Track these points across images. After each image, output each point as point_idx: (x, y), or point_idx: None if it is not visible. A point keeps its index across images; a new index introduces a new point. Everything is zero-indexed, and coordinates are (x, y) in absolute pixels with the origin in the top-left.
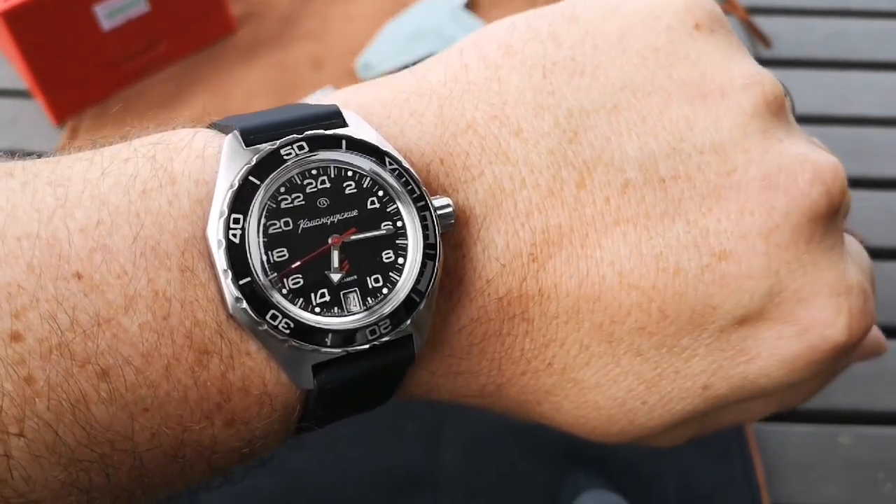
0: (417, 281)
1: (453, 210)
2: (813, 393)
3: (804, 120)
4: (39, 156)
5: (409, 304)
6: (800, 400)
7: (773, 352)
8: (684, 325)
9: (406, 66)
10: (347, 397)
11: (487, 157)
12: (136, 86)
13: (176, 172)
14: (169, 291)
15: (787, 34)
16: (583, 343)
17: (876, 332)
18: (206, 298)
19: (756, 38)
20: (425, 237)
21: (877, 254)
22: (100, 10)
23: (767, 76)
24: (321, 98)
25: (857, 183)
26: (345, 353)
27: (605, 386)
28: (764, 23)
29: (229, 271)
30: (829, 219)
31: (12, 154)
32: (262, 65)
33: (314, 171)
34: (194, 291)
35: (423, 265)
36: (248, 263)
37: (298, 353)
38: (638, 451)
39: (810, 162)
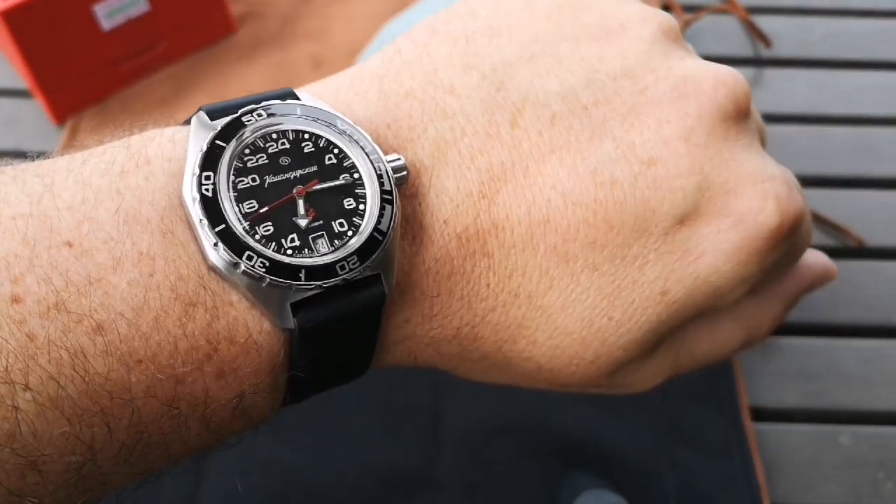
0: (378, 222)
1: (404, 162)
2: (774, 315)
3: (805, 120)
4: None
5: (372, 243)
6: (764, 325)
7: (716, 246)
8: (630, 232)
9: None
10: (328, 341)
11: (428, 115)
12: (135, 85)
13: (150, 155)
14: (152, 251)
15: (787, 34)
16: (542, 268)
17: (822, 256)
18: (186, 255)
19: (756, 38)
20: (381, 184)
21: (878, 254)
22: (99, 10)
23: (661, 12)
24: None
25: (857, 183)
26: (320, 288)
27: (571, 307)
28: (764, 22)
29: (205, 220)
30: (739, 119)
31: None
32: (262, 64)
33: (274, 136)
34: (175, 250)
35: (382, 209)
36: (222, 213)
37: (276, 292)
38: (638, 451)
39: (711, 71)
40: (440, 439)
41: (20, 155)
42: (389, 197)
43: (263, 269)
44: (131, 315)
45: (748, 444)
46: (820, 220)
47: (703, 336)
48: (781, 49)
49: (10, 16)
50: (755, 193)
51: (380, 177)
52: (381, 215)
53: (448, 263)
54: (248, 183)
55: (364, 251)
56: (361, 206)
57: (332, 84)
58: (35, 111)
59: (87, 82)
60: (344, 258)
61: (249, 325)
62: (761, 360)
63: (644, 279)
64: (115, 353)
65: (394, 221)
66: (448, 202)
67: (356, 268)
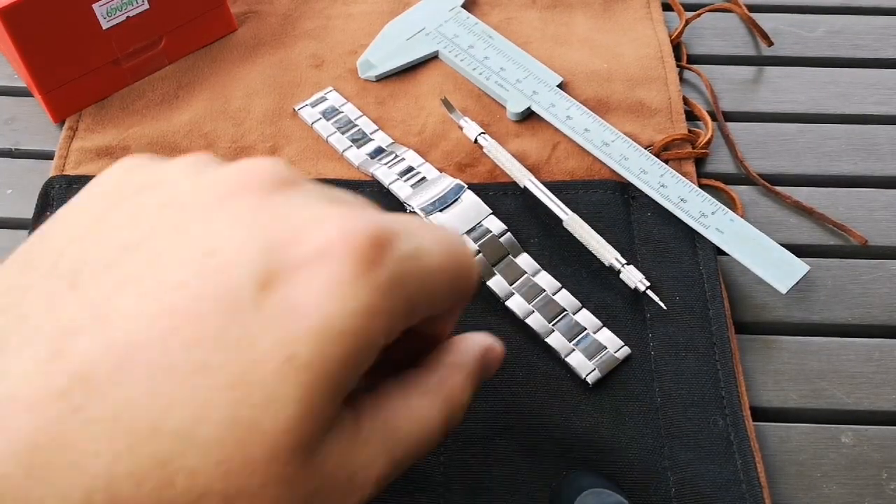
0: None
1: None
2: (462, 384)
3: (806, 118)
4: None
5: None
6: (456, 392)
7: (308, 294)
8: (219, 317)
9: (407, 66)
10: None
11: None
12: (135, 84)
13: None
14: None
15: (788, 32)
16: (150, 392)
17: (484, 337)
18: None
19: (758, 36)
20: None
21: (880, 253)
22: (99, 9)
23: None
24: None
25: (859, 181)
26: None
27: (205, 415)
28: (765, 20)
29: None
30: (277, 187)
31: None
32: (262, 63)
33: None
34: None
35: None
36: None
37: None
38: (638, 451)
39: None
40: None
41: (18, 154)
42: None
43: None
44: None
45: (749, 443)
46: (822, 219)
47: (400, 414)
48: (783, 47)
49: (9, 14)
50: (314, 231)
51: None
52: None
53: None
54: None
55: None
56: None
57: None
58: (33, 110)
59: (86, 81)
60: None
61: None
62: (762, 360)
63: (260, 355)
64: None
65: None
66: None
67: None
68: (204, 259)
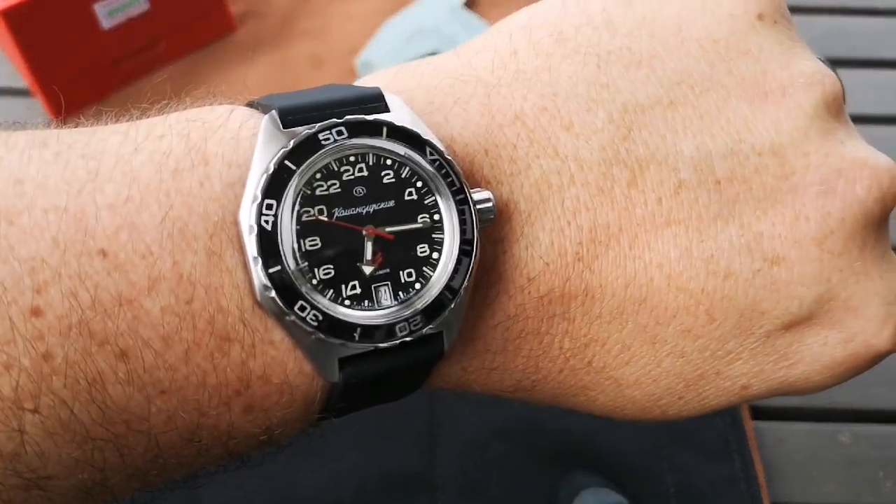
0: (451, 278)
1: (493, 205)
2: None
3: None
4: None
5: (441, 301)
6: None
7: (816, 358)
8: (731, 329)
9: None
10: (372, 391)
11: (535, 150)
12: (135, 84)
13: (209, 153)
14: (194, 275)
15: None
16: (625, 343)
17: None
18: (231, 285)
19: None
20: (462, 232)
21: None
22: (99, 9)
23: (828, 75)
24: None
25: None
26: (373, 348)
27: (644, 384)
28: None
29: (259, 259)
30: (881, 225)
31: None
32: (261, 63)
33: (352, 158)
34: (220, 277)
35: (459, 261)
36: (280, 251)
37: (325, 345)
38: (637, 451)
39: (869, 167)
40: (437, 441)
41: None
42: (469, 248)
43: (315, 324)
44: (159, 345)
45: (747, 442)
46: None
47: None
48: None
49: (11, 15)
50: (877, 315)
51: (462, 222)
52: (455, 270)
53: (521, 322)
54: (313, 215)
55: (430, 311)
56: (435, 255)
57: (428, 80)
58: (34, 110)
59: (87, 81)
60: (406, 319)
61: (288, 367)
62: None
63: (730, 373)
64: (137, 382)
65: (469, 279)
66: (537, 258)
67: (417, 329)
68: (766, 263)
